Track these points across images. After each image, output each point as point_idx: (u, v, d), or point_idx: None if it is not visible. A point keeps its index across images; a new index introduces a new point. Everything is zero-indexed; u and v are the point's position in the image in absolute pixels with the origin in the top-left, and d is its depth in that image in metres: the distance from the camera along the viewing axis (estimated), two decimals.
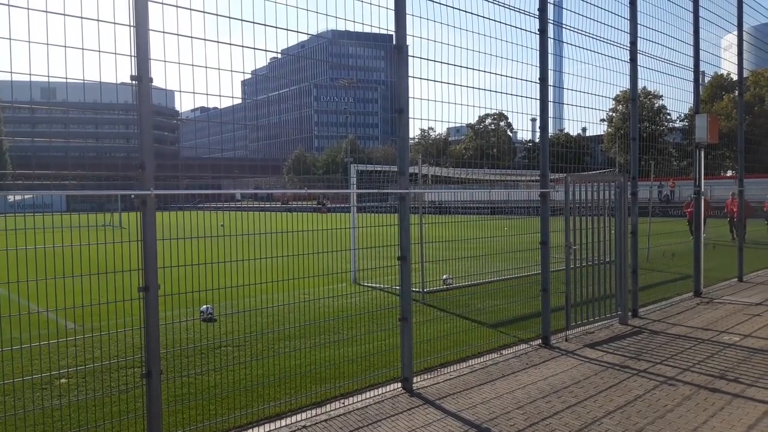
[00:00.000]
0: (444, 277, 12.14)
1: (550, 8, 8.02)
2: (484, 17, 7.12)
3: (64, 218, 5.28)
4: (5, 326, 6.43)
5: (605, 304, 8.92)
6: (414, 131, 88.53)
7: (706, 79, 50.49)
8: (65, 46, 4.05)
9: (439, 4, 6.64)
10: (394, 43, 6.18)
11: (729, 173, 47.56)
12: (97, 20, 4.15)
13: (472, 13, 6.98)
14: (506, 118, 64.67)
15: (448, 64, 6.68)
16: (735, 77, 14.39)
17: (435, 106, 6.71)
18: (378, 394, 5.99)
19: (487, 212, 14.62)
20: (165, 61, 4.42)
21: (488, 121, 69.41)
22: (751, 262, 14.23)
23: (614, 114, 48.79)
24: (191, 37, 4.53)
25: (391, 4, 6.06)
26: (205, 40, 4.63)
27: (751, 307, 10.14)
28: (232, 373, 6.59)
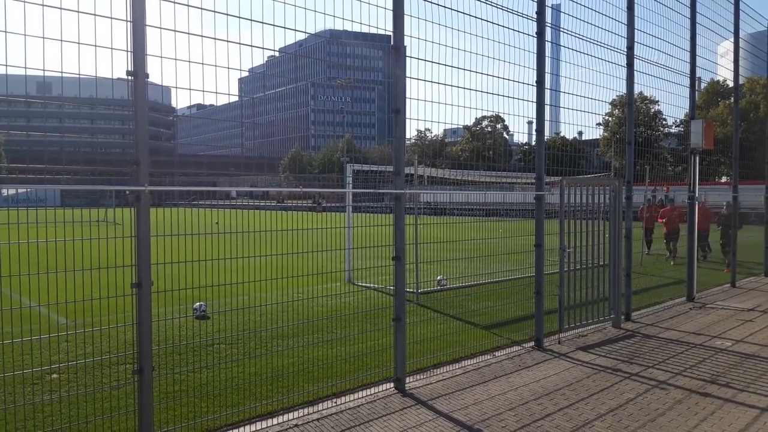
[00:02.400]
0: (438, 278, 12.15)
1: (548, 11, 8.04)
2: (482, 19, 7.14)
3: (58, 213, 5.25)
4: None
5: (598, 307, 8.94)
6: (411, 132, 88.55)
7: (702, 86, 50.71)
8: (61, 40, 4.03)
9: (438, 5, 6.65)
10: (391, 43, 6.18)
11: (723, 179, 47.78)
12: (94, 15, 4.14)
13: (470, 15, 7.00)
14: (503, 120, 64.78)
15: (445, 65, 6.68)
16: (731, 84, 14.47)
17: (432, 107, 6.72)
18: (370, 394, 5.99)
19: (482, 214, 14.64)
20: (162, 57, 4.41)
21: (485, 123, 69.51)
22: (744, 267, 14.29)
23: (610, 118, 48.88)
24: (188, 33, 4.52)
25: (390, 5, 6.06)
26: (202, 36, 4.62)
27: (743, 313, 10.18)
28: (224, 370, 6.58)
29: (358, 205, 14.33)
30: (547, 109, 8.02)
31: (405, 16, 6.09)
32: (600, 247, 8.93)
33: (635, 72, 9.80)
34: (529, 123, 8.79)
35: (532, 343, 7.97)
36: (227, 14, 4.83)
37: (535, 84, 7.90)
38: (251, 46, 4.98)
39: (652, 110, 51.78)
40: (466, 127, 66.80)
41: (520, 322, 9.09)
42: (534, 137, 8.22)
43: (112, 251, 4.70)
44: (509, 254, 11.57)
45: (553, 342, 8.12)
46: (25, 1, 3.97)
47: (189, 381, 6.23)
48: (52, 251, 4.55)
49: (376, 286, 11.92)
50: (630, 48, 9.69)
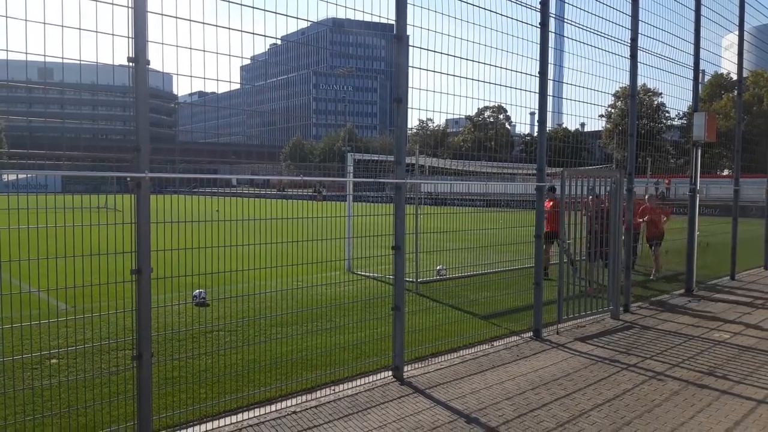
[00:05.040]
0: (438, 267, 12.17)
1: (552, 2, 7.99)
2: (485, 9, 7.09)
3: (58, 199, 5.26)
4: None
5: (597, 298, 8.96)
6: (412, 122, 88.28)
7: (706, 78, 50.48)
8: (62, 26, 4.02)
9: None
10: (394, 32, 6.15)
11: (726, 172, 47.69)
12: (95, 0, 4.12)
13: (473, 5, 6.95)
14: (505, 111, 64.62)
15: (448, 54, 6.65)
16: (735, 77, 14.40)
17: (434, 97, 6.69)
18: (369, 382, 6.02)
19: (482, 204, 14.65)
20: (163, 44, 4.39)
21: (487, 113, 69.30)
22: (743, 260, 14.29)
23: (613, 110, 48.79)
24: (190, 20, 4.50)
25: None
26: (203, 23, 4.60)
27: (741, 306, 10.20)
28: (223, 357, 6.61)
29: (358, 194, 14.34)
30: (549, 100, 7.99)
31: (408, 4, 6.06)
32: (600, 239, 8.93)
33: (639, 64, 9.75)
34: (532, 114, 8.78)
35: (530, 334, 8.00)
36: (229, 1, 4.81)
37: (537, 75, 7.86)
38: (253, 33, 4.96)
39: (655, 102, 51.64)
40: (468, 118, 66.60)
41: (519, 313, 9.12)
42: (536, 128, 8.21)
43: (113, 237, 4.71)
44: (509, 245, 11.58)
45: (552, 333, 8.15)
46: None
47: (188, 367, 6.26)
48: (53, 237, 4.56)
49: (375, 275, 11.95)
50: (634, 39, 9.64)
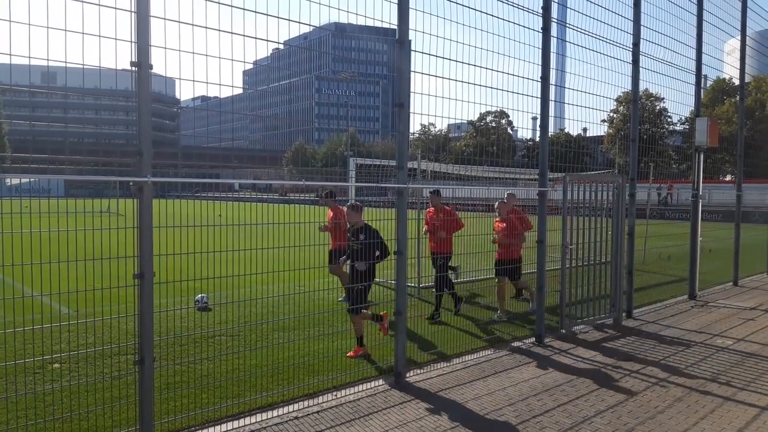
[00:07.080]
0: None
1: (554, 7, 8.00)
2: (487, 14, 7.11)
3: (61, 203, 5.26)
4: None
5: (600, 304, 8.93)
6: (414, 126, 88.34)
7: (708, 83, 50.51)
8: (65, 30, 4.03)
9: None
10: (396, 37, 6.16)
11: (728, 177, 47.65)
12: (98, 5, 4.13)
13: (475, 10, 6.97)
14: (507, 116, 64.55)
15: (450, 59, 6.66)
16: (737, 82, 14.39)
17: (436, 102, 6.71)
18: (370, 388, 6.00)
19: (484, 209, 14.65)
20: (166, 48, 4.40)
21: (489, 118, 69.31)
22: (746, 266, 14.25)
23: (615, 115, 48.79)
24: (192, 24, 4.51)
25: None
26: (206, 28, 4.60)
27: (745, 312, 10.16)
28: (225, 362, 6.60)
29: (360, 199, 14.33)
30: (551, 105, 7.99)
31: (410, 9, 6.07)
32: (602, 244, 8.91)
33: (641, 69, 9.74)
34: (534, 119, 8.77)
35: (532, 339, 7.97)
36: (232, 6, 4.82)
37: (539, 80, 7.87)
38: (256, 38, 4.97)
39: (658, 107, 51.64)
40: (470, 122, 66.65)
41: (521, 318, 9.09)
42: (538, 133, 8.20)
43: (115, 242, 4.71)
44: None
45: (554, 338, 8.12)
46: None
47: (190, 372, 6.25)
48: (55, 241, 4.56)
49: (377, 280, 11.91)
50: (636, 45, 9.64)
